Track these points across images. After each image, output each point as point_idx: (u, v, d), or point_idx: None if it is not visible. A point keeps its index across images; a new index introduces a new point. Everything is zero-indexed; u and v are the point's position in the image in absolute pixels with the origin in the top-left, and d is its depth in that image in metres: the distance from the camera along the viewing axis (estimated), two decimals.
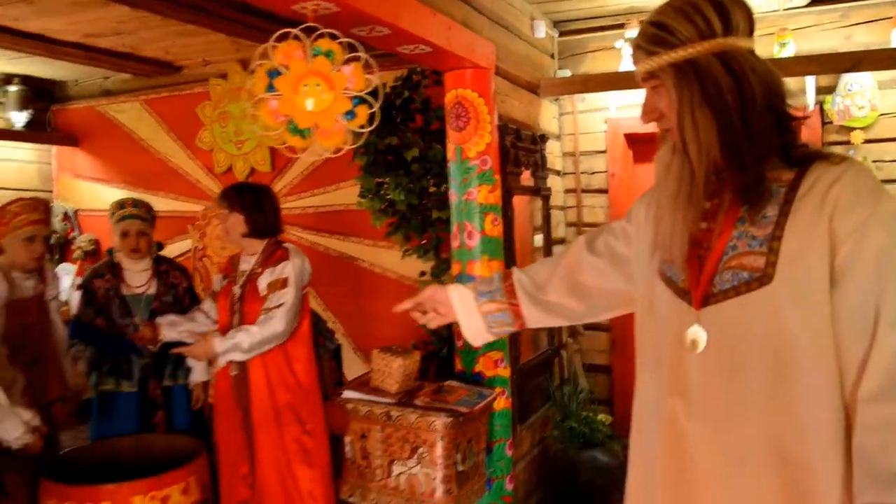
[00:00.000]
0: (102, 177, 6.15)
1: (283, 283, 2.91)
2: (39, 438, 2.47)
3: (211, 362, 3.14)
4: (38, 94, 6.00)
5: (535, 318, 1.71)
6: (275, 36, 2.03)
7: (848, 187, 1.22)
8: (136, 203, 3.34)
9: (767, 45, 3.86)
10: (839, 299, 1.21)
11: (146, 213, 3.32)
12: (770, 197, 1.27)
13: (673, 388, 1.36)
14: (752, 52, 1.31)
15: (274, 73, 1.97)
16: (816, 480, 1.22)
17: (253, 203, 2.99)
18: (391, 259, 4.76)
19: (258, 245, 3.02)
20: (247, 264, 3.05)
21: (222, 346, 2.81)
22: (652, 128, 1.42)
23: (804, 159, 1.29)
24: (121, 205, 3.30)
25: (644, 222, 1.51)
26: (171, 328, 3.08)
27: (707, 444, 1.31)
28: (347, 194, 4.88)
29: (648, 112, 1.40)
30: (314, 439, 2.97)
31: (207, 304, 3.21)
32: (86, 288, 3.29)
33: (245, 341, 2.80)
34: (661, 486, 1.39)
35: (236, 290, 3.01)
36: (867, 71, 3.69)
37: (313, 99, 1.93)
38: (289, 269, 2.93)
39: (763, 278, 1.25)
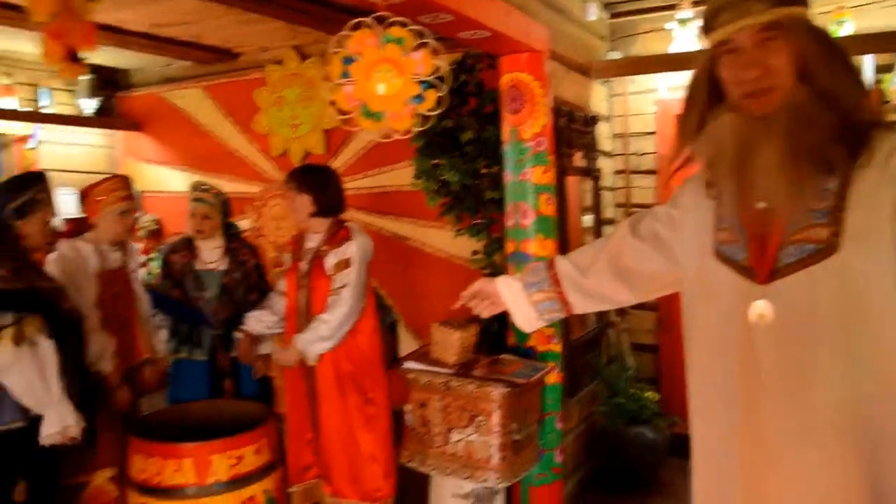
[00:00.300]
0: (164, 160, 6.41)
1: (346, 264, 3.08)
2: (70, 441, 2.52)
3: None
4: (106, 82, 6.28)
5: (581, 305, 1.78)
6: (349, 25, 2.16)
7: None
8: (206, 187, 3.54)
9: (824, 24, 3.87)
10: None
11: (212, 198, 3.51)
12: (829, 170, 1.31)
13: (741, 364, 1.38)
14: None
15: (348, 60, 2.11)
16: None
17: (319, 184, 3.16)
18: (442, 239, 4.90)
19: (323, 224, 3.17)
20: (312, 242, 3.21)
21: (307, 345, 3.02)
22: None
23: (860, 132, 1.32)
24: (194, 187, 3.53)
25: (693, 206, 1.54)
26: (258, 323, 3.33)
27: (780, 415, 1.34)
28: (400, 175, 5.03)
29: (757, 66, 1.33)
30: (376, 407, 3.14)
31: (280, 284, 3.39)
32: (164, 261, 3.52)
33: (323, 330, 3.00)
34: (735, 461, 1.41)
35: (303, 266, 3.17)
36: None
37: (385, 84, 2.06)
38: (352, 248, 3.09)
39: (828, 248, 1.29)
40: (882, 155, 1.29)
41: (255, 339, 3.39)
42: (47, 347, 2.45)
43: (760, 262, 1.37)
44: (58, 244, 3.03)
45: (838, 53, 1.33)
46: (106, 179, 3.17)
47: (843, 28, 3.85)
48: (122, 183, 3.16)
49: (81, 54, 1.95)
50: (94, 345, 2.88)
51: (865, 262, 1.28)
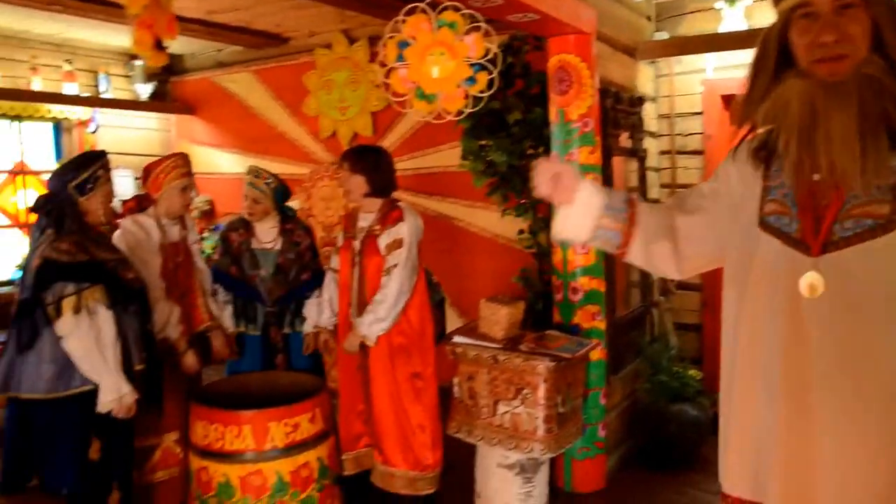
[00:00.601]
0: (216, 142, 6.61)
1: (399, 244, 3.17)
2: (126, 411, 2.64)
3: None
4: (160, 67, 6.47)
5: (634, 257, 1.68)
6: (404, 10, 2.25)
7: None
8: (258, 174, 3.62)
9: None
10: None
11: (262, 185, 3.60)
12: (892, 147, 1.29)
13: (787, 337, 1.38)
14: None
15: (403, 45, 2.20)
16: None
17: (373, 165, 3.24)
18: (487, 219, 4.99)
19: (375, 204, 3.27)
20: (365, 221, 3.31)
21: (367, 328, 3.14)
22: None
23: None
24: (248, 172, 3.64)
25: (739, 175, 1.52)
26: (319, 314, 3.53)
27: (828, 388, 1.34)
28: (446, 156, 5.12)
29: (834, 31, 1.31)
30: (424, 380, 3.25)
31: (334, 261, 3.52)
32: (222, 239, 3.66)
33: (380, 312, 3.11)
34: (778, 429, 1.41)
35: (356, 244, 3.29)
36: None
37: (438, 67, 2.15)
38: (404, 229, 3.18)
39: (888, 225, 1.29)
40: None
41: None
42: (105, 318, 2.57)
43: (814, 235, 1.35)
44: (122, 220, 3.21)
45: None
46: (167, 157, 3.33)
47: None
48: (182, 160, 3.32)
49: (165, 42, 2.08)
50: (160, 313, 3.05)
51: None
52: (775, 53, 1.42)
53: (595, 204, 1.61)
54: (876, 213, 1.30)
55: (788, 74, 1.38)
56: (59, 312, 2.51)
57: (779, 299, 1.39)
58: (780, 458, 1.42)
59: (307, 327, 3.65)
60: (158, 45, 2.04)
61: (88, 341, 2.52)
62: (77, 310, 2.52)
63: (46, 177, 5.98)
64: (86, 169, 2.70)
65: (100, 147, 6.20)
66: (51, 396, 2.54)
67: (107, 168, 2.78)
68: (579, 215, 1.62)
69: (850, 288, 1.32)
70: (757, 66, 1.45)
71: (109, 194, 2.80)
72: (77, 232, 2.63)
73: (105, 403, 2.56)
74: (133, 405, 2.64)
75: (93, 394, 2.60)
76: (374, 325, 3.14)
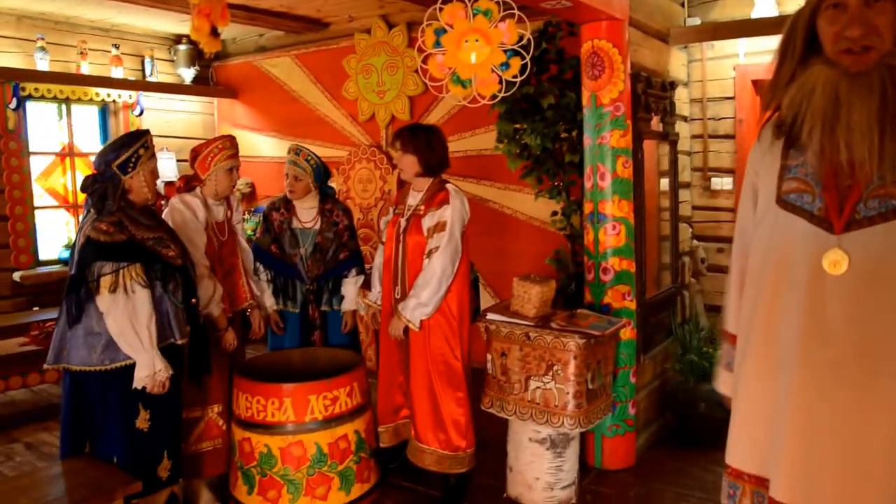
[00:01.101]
0: (257, 126, 6.77)
1: (442, 227, 3.20)
2: (160, 388, 2.71)
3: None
4: (203, 51, 6.64)
5: None
6: None
7: None
8: (298, 151, 3.71)
9: None
10: None
11: (303, 162, 3.68)
12: None
13: (809, 311, 1.44)
14: None
15: (440, 32, 2.29)
16: None
17: (425, 144, 3.26)
18: (521, 201, 5.07)
19: (426, 182, 3.32)
20: (414, 199, 3.37)
21: (410, 313, 3.20)
22: None
23: None
24: (289, 150, 3.74)
25: (764, 154, 1.58)
26: (359, 292, 3.66)
27: (845, 358, 1.40)
28: (482, 140, 5.20)
29: (862, 24, 1.37)
30: (457, 360, 3.30)
31: (383, 234, 3.57)
32: (265, 217, 3.78)
33: (423, 296, 3.16)
34: (792, 400, 1.47)
35: (402, 222, 3.37)
36: None
37: (478, 52, 2.23)
38: (448, 212, 3.21)
39: None
40: None
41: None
42: (141, 296, 2.65)
43: (838, 214, 1.41)
44: (171, 199, 3.34)
45: None
46: (215, 139, 3.45)
47: None
48: (229, 142, 3.43)
49: (219, 29, 2.20)
50: (204, 290, 3.15)
51: None
52: (803, 39, 1.47)
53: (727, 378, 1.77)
54: None
55: (815, 61, 1.44)
56: (97, 290, 2.61)
57: (800, 276, 1.45)
58: (789, 435, 1.48)
59: (346, 305, 3.75)
60: (213, 32, 2.16)
61: (123, 320, 2.60)
62: (113, 288, 2.60)
63: (93, 158, 6.23)
64: (127, 148, 2.76)
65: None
66: (98, 369, 2.64)
67: (147, 146, 2.82)
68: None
69: (872, 266, 1.38)
70: (784, 51, 1.52)
71: (153, 172, 2.86)
72: (118, 211, 2.71)
73: (140, 379, 2.64)
74: (167, 381, 2.70)
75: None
76: (416, 309, 3.19)
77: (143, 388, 2.67)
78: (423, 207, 3.28)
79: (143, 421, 2.75)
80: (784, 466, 1.50)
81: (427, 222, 3.24)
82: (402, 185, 3.61)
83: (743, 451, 1.63)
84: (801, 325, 1.45)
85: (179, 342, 2.82)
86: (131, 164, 2.76)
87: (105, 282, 2.61)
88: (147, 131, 2.92)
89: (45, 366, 2.76)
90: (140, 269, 2.66)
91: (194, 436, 3.29)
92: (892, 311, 1.37)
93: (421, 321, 3.22)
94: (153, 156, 2.87)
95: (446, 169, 3.36)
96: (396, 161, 3.35)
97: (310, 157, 3.71)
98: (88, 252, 2.64)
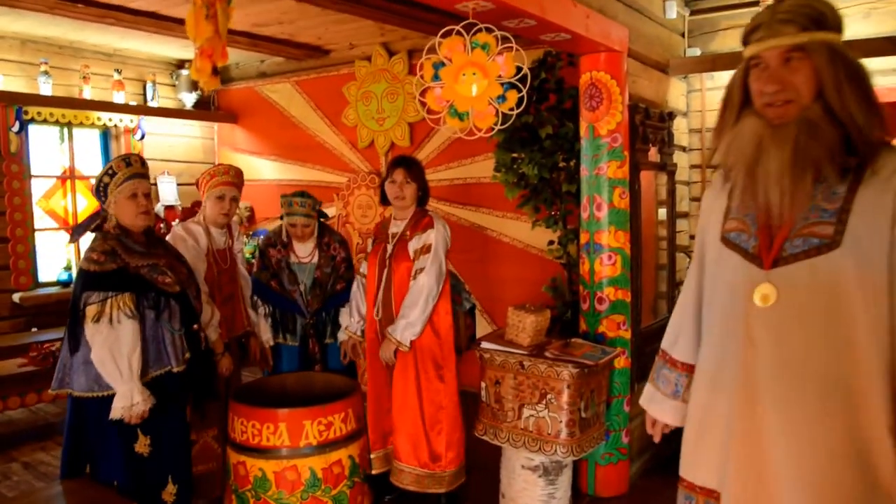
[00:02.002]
0: (257, 150, 6.82)
1: (427, 249, 3.30)
2: (137, 419, 2.69)
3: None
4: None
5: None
6: (441, 32, 2.38)
7: None
8: (302, 202, 3.67)
9: None
10: None
11: (310, 210, 3.69)
12: (838, 176, 1.50)
13: (745, 340, 1.59)
14: None
15: (439, 66, 2.33)
16: (869, 401, 1.48)
17: (423, 175, 3.42)
18: (518, 230, 5.10)
19: (410, 212, 3.42)
20: (397, 227, 3.45)
21: (400, 334, 3.27)
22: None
23: (875, 146, 1.50)
24: (289, 202, 3.67)
25: (714, 197, 1.76)
26: (356, 325, 3.62)
27: (775, 380, 1.54)
28: (479, 168, 5.25)
29: (777, 82, 1.51)
30: (445, 382, 3.35)
31: (363, 266, 3.65)
32: (262, 253, 3.78)
33: (411, 316, 3.24)
34: (734, 418, 1.62)
35: (389, 248, 3.42)
36: None
37: (476, 85, 2.27)
38: (433, 235, 3.31)
39: (832, 244, 1.49)
40: (888, 171, 1.48)
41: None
42: (126, 327, 2.63)
43: (767, 251, 1.56)
44: (174, 225, 3.37)
45: (856, 77, 1.49)
46: (214, 166, 3.49)
47: None
48: (219, 170, 3.47)
49: (218, 67, 2.25)
50: (203, 315, 3.16)
51: (862, 260, 1.47)
52: (740, 94, 1.64)
53: (679, 410, 1.91)
54: (821, 233, 1.50)
55: (748, 112, 1.61)
56: (84, 319, 2.62)
57: (737, 307, 1.61)
58: (734, 452, 1.62)
59: (342, 335, 3.77)
60: (214, 70, 2.22)
61: (104, 350, 2.59)
62: (97, 318, 2.59)
63: (93, 181, 6.26)
64: (97, 179, 2.76)
65: (146, 154, 6.46)
66: (95, 395, 2.65)
67: (112, 173, 2.74)
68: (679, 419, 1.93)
69: (797, 298, 1.53)
70: (725, 104, 1.69)
71: (133, 196, 2.75)
72: (112, 239, 2.70)
73: (116, 409, 2.61)
74: (146, 412, 2.66)
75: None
76: (406, 330, 3.26)
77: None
78: (408, 233, 3.37)
79: (142, 446, 2.75)
80: (731, 480, 1.63)
81: (413, 245, 3.33)
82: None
83: (696, 465, 1.76)
84: (739, 352, 1.60)
85: (176, 370, 2.81)
86: (103, 194, 2.75)
87: (90, 311, 2.61)
88: (122, 155, 2.84)
89: (51, 391, 2.78)
90: (129, 299, 2.65)
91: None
92: (815, 340, 1.51)
93: (410, 342, 3.27)
94: (127, 180, 2.74)
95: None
96: (397, 190, 3.37)
97: (314, 204, 3.71)
98: (79, 282, 2.67)
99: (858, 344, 1.49)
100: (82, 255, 2.74)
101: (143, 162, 2.83)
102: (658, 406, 2.00)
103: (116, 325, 2.60)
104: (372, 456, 3.48)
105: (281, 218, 3.78)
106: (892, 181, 1.47)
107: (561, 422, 3.08)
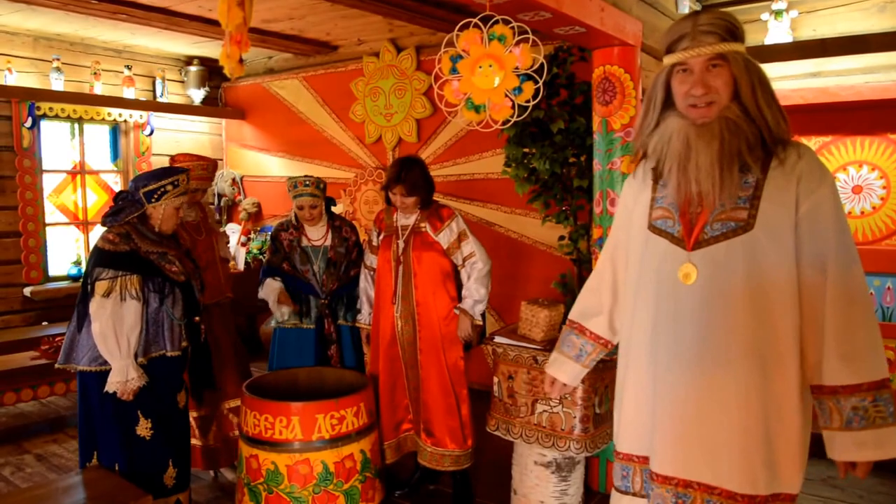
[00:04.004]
0: (265, 146, 6.82)
1: (464, 235, 3.43)
2: (130, 395, 2.77)
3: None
4: (212, 73, 6.72)
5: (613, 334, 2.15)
6: (458, 26, 2.38)
7: (809, 162, 1.70)
8: (307, 182, 3.73)
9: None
10: (801, 238, 1.68)
11: (316, 189, 3.73)
12: (749, 167, 1.71)
13: (670, 314, 1.78)
14: None
15: (456, 59, 2.33)
16: (783, 365, 1.71)
17: (423, 182, 3.45)
18: (527, 225, 5.09)
19: (415, 211, 3.46)
20: (407, 220, 3.47)
21: (471, 309, 3.43)
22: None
23: (779, 142, 1.72)
24: (294, 184, 3.73)
25: (638, 190, 1.95)
26: (369, 316, 3.72)
27: (701, 349, 1.73)
28: (488, 164, 5.24)
29: (703, 86, 1.71)
30: (462, 361, 3.46)
31: (370, 259, 3.68)
32: (274, 238, 3.81)
33: (477, 295, 3.42)
34: (664, 386, 1.81)
35: (400, 243, 3.44)
36: None
37: (499, 77, 2.27)
38: (461, 223, 3.45)
39: (746, 226, 1.69)
40: (791, 162, 1.70)
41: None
42: (130, 307, 2.77)
43: (690, 234, 1.77)
44: None
45: (764, 82, 1.72)
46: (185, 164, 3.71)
47: None
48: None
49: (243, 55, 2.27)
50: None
51: (771, 241, 1.68)
52: (662, 95, 1.83)
53: (577, 372, 2.22)
54: (737, 217, 1.71)
55: (670, 113, 1.81)
56: (92, 293, 2.75)
57: (663, 286, 1.81)
58: (660, 417, 1.82)
59: (365, 318, 3.80)
60: (240, 59, 2.24)
61: (108, 324, 2.71)
62: (107, 293, 2.73)
63: (105, 176, 6.28)
64: (157, 180, 2.93)
65: (155, 149, 6.48)
66: (97, 369, 2.77)
67: (177, 185, 2.98)
68: (575, 379, 2.26)
69: (715, 275, 1.72)
70: (647, 105, 1.87)
71: (177, 209, 3.02)
72: (128, 224, 2.86)
73: (111, 384, 2.74)
74: (138, 389, 2.78)
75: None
76: (475, 307, 3.43)
77: (144, 396, 2.80)
78: (424, 225, 3.42)
79: (143, 429, 2.85)
80: (659, 444, 1.82)
81: (445, 238, 3.41)
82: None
83: (631, 437, 1.95)
84: (667, 328, 1.80)
85: (170, 354, 2.93)
86: (156, 196, 2.92)
87: (100, 286, 2.74)
88: (184, 171, 3.06)
89: (57, 365, 2.89)
90: (137, 281, 2.80)
91: (212, 431, 3.65)
92: (735, 312, 1.70)
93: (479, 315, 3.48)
94: (182, 194, 3.02)
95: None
96: (398, 201, 3.44)
97: (320, 183, 3.75)
98: (92, 258, 2.81)
99: (773, 313, 1.70)
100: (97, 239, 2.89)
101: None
102: (559, 367, 2.22)
103: (122, 303, 2.75)
104: (385, 446, 3.53)
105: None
106: (796, 169, 1.69)
107: (575, 417, 3.07)
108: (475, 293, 3.42)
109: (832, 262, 1.68)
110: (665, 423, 1.81)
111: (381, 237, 3.59)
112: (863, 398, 1.66)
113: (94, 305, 2.73)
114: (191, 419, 3.52)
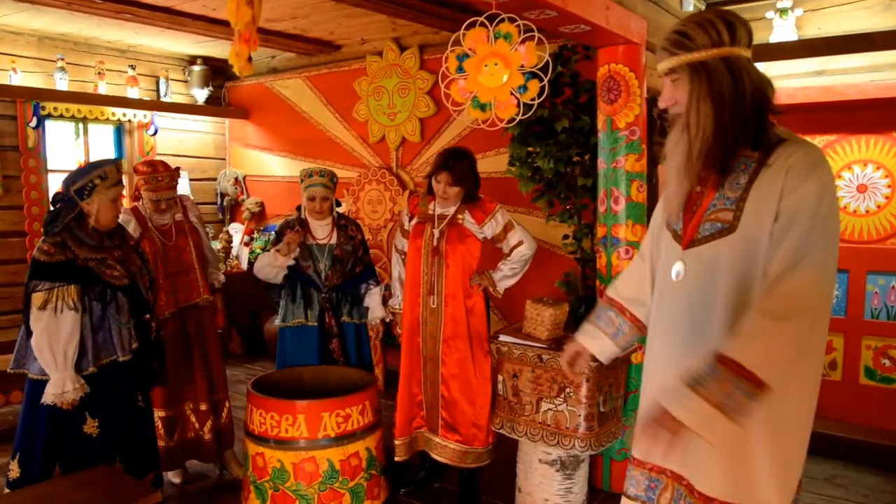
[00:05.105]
0: (268, 146, 6.82)
1: (510, 225, 3.44)
2: (68, 406, 2.74)
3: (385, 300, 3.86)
4: (216, 72, 6.73)
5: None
6: (465, 24, 2.38)
7: (800, 159, 1.62)
8: (322, 172, 3.73)
9: None
10: (775, 233, 1.62)
11: (329, 182, 3.73)
12: (743, 169, 1.69)
13: (667, 307, 1.82)
14: (749, 59, 1.68)
15: (462, 57, 2.33)
16: None
17: (472, 174, 3.50)
18: (532, 224, 5.06)
19: (455, 203, 3.45)
20: (444, 209, 3.46)
21: (501, 283, 3.46)
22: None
23: (774, 142, 1.67)
24: (309, 174, 3.73)
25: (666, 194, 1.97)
26: (383, 299, 3.82)
27: (685, 342, 1.75)
28: (493, 162, 5.24)
29: (666, 99, 1.75)
30: (487, 360, 3.42)
31: (401, 242, 3.71)
32: (279, 233, 3.79)
33: (511, 273, 3.45)
34: (650, 379, 1.90)
35: (436, 233, 3.43)
36: None
37: (505, 75, 2.28)
38: (505, 214, 3.47)
39: (730, 228, 1.70)
40: (779, 163, 1.65)
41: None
42: (67, 319, 2.73)
43: (686, 233, 1.79)
44: None
45: (716, 89, 1.66)
46: (145, 175, 3.76)
47: None
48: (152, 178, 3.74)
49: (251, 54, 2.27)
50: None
51: (749, 241, 1.66)
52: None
53: (608, 347, 2.13)
54: (723, 218, 1.71)
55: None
56: (29, 306, 2.73)
57: (662, 282, 1.87)
58: (644, 404, 1.86)
59: (374, 314, 3.84)
60: (248, 57, 2.24)
61: (43, 337, 2.69)
62: (43, 306, 2.71)
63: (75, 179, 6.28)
64: (84, 176, 2.87)
65: (159, 149, 6.49)
66: (42, 378, 2.76)
67: (105, 177, 2.90)
68: (605, 355, 2.17)
69: (698, 274, 1.75)
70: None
71: (114, 201, 2.94)
72: (63, 231, 2.80)
73: (48, 395, 2.71)
74: (76, 401, 2.75)
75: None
76: (501, 282, 3.46)
77: (92, 395, 2.81)
78: (463, 216, 3.42)
79: (91, 427, 2.86)
80: (639, 430, 1.82)
81: (490, 230, 3.44)
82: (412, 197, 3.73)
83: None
84: (662, 323, 1.85)
85: (122, 359, 2.93)
86: (86, 191, 2.86)
87: (36, 298, 2.72)
88: (113, 161, 3.01)
89: (9, 370, 2.89)
90: (74, 291, 2.76)
91: (178, 429, 3.78)
92: (710, 312, 1.71)
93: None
94: (115, 185, 2.94)
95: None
96: (440, 190, 3.40)
97: (334, 177, 3.76)
98: (31, 269, 2.78)
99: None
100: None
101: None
102: (591, 339, 2.16)
103: (59, 314, 2.72)
104: (398, 442, 3.53)
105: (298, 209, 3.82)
106: (784, 167, 1.65)
107: (580, 416, 3.07)
108: (508, 272, 3.44)
109: (778, 261, 1.59)
110: (646, 411, 1.81)
111: (412, 222, 3.57)
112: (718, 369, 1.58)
113: (32, 318, 2.71)
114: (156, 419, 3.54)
